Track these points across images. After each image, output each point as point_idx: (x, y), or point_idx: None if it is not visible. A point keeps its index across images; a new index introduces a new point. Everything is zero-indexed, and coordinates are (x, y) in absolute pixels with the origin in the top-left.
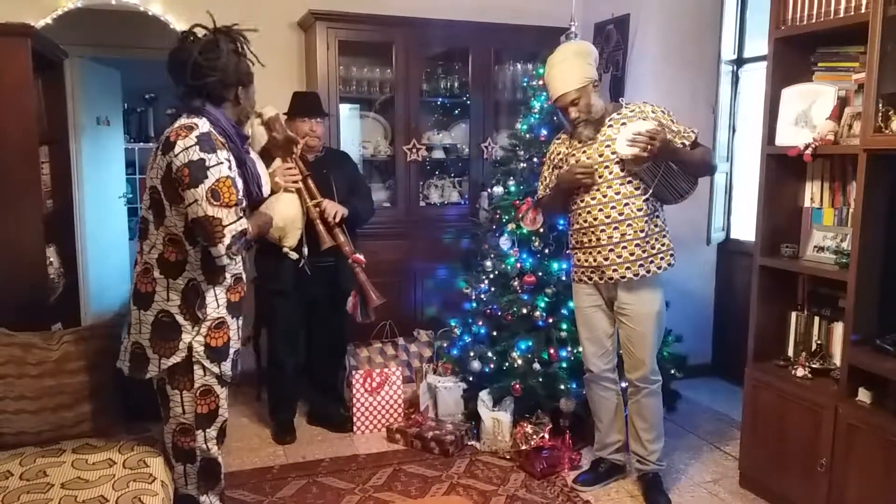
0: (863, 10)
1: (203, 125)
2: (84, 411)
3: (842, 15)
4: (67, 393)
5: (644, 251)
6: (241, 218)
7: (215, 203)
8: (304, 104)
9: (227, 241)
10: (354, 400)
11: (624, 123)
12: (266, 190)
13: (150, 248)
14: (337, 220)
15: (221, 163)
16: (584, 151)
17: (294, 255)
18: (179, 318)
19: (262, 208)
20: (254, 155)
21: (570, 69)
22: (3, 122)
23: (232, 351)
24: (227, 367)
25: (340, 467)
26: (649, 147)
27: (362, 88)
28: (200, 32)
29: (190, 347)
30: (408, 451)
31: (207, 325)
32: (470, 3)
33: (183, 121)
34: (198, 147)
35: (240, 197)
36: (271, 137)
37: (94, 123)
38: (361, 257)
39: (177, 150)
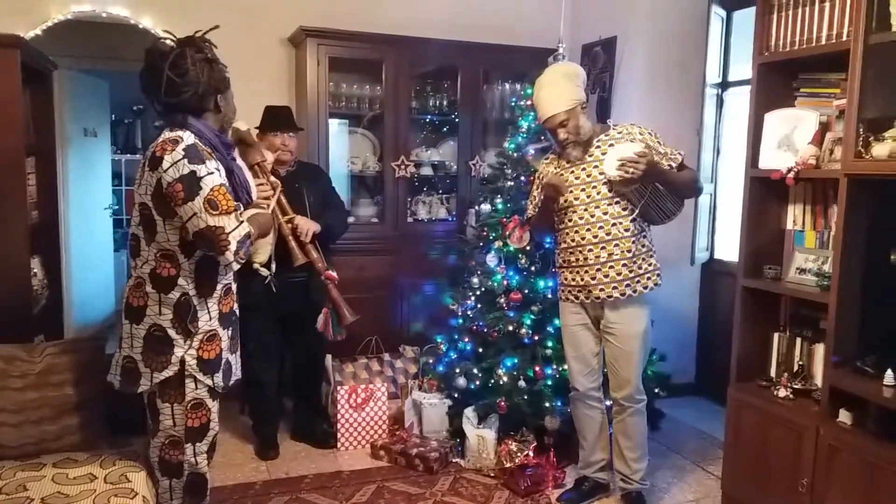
0: (844, 38)
1: (188, 137)
2: (66, 425)
3: (824, 42)
4: (50, 406)
5: (631, 271)
6: (242, 222)
7: (214, 213)
8: (277, 118)
9: (233, 247)
10: (339, 416)
11: (612, 145)
12: (255, 196)
13: (143, 264)
14: (309, 237)
15: (212, 172)
16: (573, 171)
17: (265, 272)
18: (171, 333)
19: None
20: (240, 162)
21: (560, 91)
22: None
23: (223, 362)
24: (219, 378)
25: (324, 483)
26: (637, 169)
27: (352, 104)
28: (167, 45)
29: (182, 361)
30: (392, 467)
31: (199, 339)
32: (460, 23)
33: (167, 134)
34: (186, 160)
35: (236, 203)
36: (242, 153)
37: (82, 135)
38: (334, 274)
39: (165, 165)
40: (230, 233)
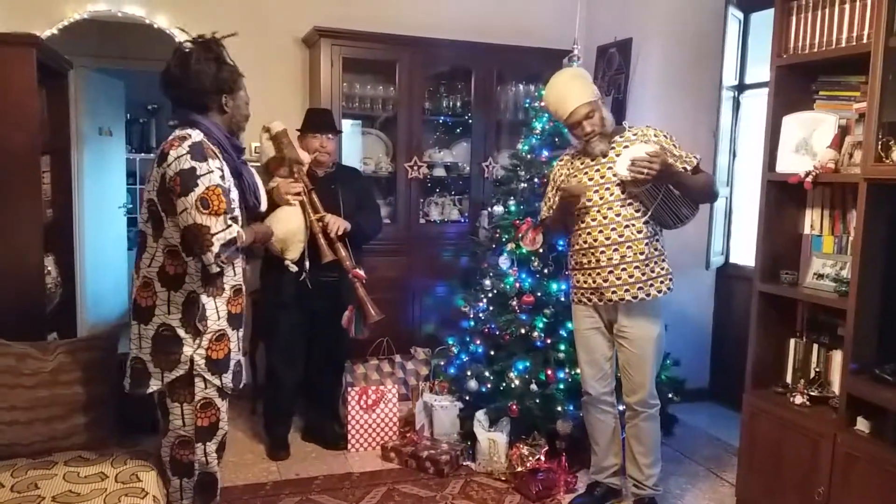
0: (864, 41)
1: (196, 135)
2: (77, 423)
3: (843, 45)
4: (61, 404)
5: (644, 274)
6: (230, 226)
7: (204, 211)
8: (316, 120)
9: (215, 249)
10: (350, 417)
11: (626, 146)
12: (264, 201)
13: (150, 261)
14: (339, 233)
15: (212, 171)
16: (587, 173)
17: (294, 268)
18: (181, 332)
19: (266, 220)
20: (251, 166)
21: (581, 85)
22: (6, 132)
23: (233, 363)
24: (227, 378)
25: (334, 485)
26: (650, 169)
27: (365, 105)
28: (186, 45)
29: (191, 360)
30: (402, 470)
31: (208, 338)
32: (474, 24)
33: (177, 132)
34: (189, 156)
35: (231, 206)
36: (278, 152)
37: (97, 133)
38: (362, 272)
39: (169, 160)
40: (215, 234)
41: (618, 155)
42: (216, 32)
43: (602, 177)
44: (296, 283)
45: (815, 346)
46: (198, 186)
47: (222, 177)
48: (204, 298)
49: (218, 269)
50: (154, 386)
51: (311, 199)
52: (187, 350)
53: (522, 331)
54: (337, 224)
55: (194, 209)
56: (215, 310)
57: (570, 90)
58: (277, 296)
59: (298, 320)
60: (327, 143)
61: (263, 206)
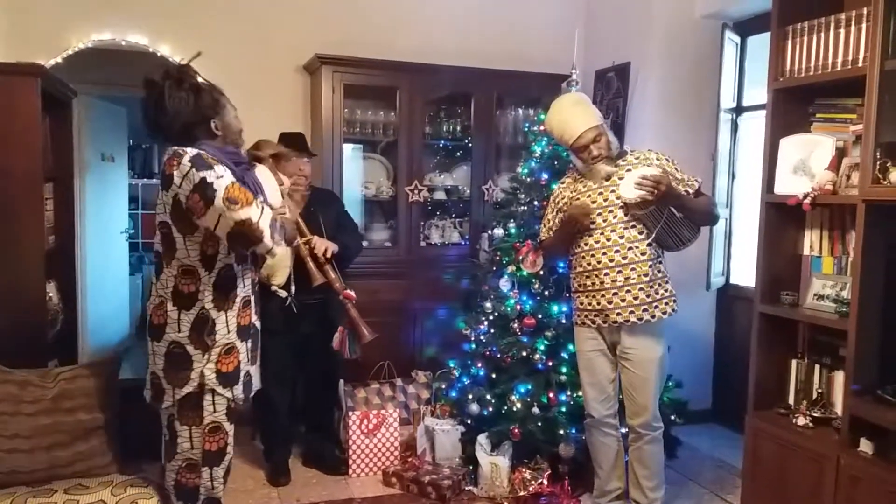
0: (860, 64)
1: (191, 150)
2: (78, 451)
3: (839, 68)
4: (62, 432)
5: (648, 295)
6: (264, 208)
7: (236, 207)
8: (290, 144)
9: (267, 233)
10: (350, 441)
11: (629, 170)
12: (274, 201)
13: (166, 282)
14: (328, 256)
15: (221, 176)
16: (589, 195)
17: (283, 293)
18: (190, 349)
19: None
20: (259, 169)
21: (585, 110)
22: (10, 160)
23: (242, 374)
24: (238, 390)
25: None
26: (657, 189)
27: (366, 130)
28: (153, 81)
29: (202, 375)
30: (404, 495)
31: (217, 352)
32: (473, 50)
33: (171, 150)
34: (195, 169)
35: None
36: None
37: (99, 160)
38: (352, 293)
39: (177, 180)
40: (258, 221)
41: (621, 178)
42: (182, 58)
43: (605, 199)
44: (283, 309)
45: (817, 367)
46: (217, 191)
47: (230, 177)
48: (214, 314)
49: (280, 251)
50: (167, 402)
51: (298, 224)
52: (197, 367)
53: (524, 353)
54: (324, 246)
55: (227, 211)
56: (225, 324)
57: (576, 115)
58: (265, 322)
59: (288, 346)
60: (304, 167)
61: (276, 203)
